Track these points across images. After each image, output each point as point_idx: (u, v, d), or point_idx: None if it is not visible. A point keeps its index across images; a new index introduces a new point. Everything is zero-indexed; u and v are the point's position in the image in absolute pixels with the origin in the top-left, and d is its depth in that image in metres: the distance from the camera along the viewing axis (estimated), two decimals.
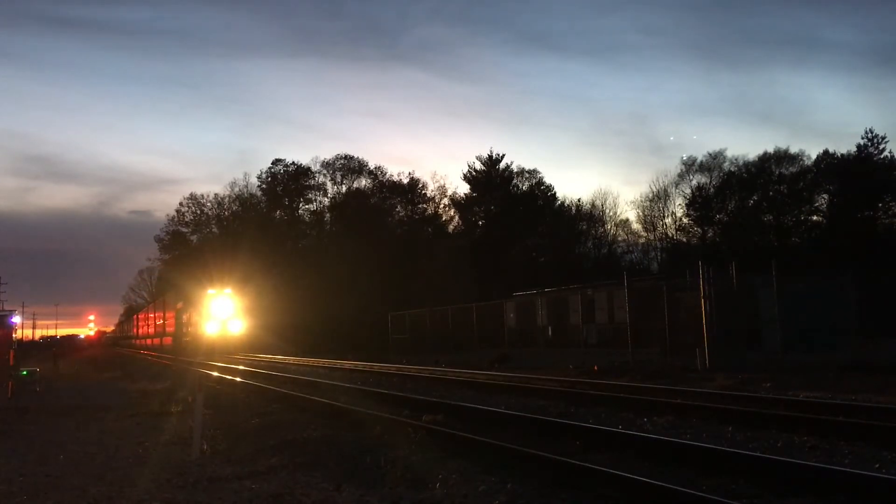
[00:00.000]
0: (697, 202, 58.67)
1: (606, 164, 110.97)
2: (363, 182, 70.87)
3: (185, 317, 46.14)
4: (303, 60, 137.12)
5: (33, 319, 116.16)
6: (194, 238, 76.77)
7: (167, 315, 53.64)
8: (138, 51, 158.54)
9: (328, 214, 70.60)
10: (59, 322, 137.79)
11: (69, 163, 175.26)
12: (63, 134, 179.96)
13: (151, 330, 63.09)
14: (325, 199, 71.08)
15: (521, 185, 66.83)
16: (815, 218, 56.93)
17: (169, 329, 52.55)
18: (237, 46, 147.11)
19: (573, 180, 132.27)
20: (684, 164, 61.02)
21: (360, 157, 71.10)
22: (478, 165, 66.42)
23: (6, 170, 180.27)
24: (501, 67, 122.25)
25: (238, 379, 20.92)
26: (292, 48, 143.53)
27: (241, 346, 41.69)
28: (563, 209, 66.01)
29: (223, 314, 40.37)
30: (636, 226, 63.97)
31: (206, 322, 40.18)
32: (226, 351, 39.19)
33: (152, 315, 63.82)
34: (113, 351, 65.98)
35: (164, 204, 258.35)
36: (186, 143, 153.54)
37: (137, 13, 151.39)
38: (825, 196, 56.33)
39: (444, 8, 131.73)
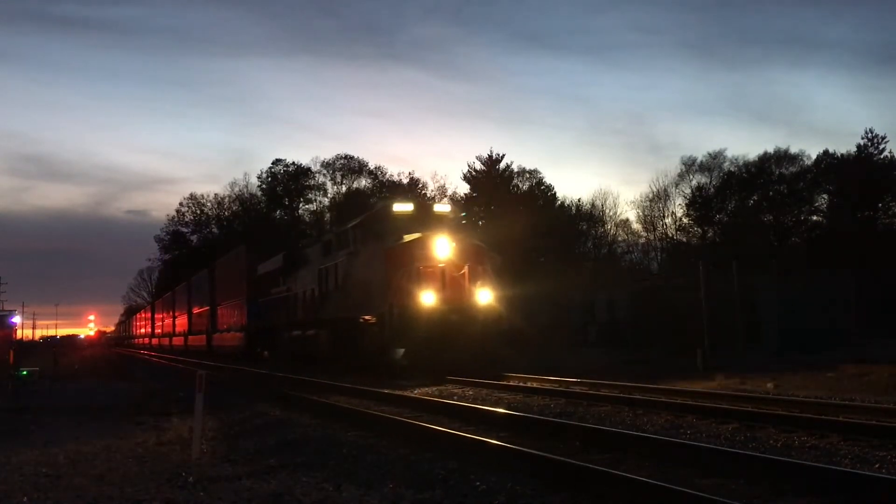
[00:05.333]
0: (697, 202, 58.63)
1: (605, 164, 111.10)
2: (363, 182, 70.96)
3: (291, 282, 25.56)
4: (299, 59, 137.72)
5: (33, 319, 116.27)
6: (194, 238, 76.79)
7: (222, 295, 34.73)
8: (134, 50, 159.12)
9: (328, 214, 70.59)
10: (59, 322, 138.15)
11: (65, 162, 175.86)
12: (58, 133, 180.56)
13: (182, 325, 45.47)
14: (325, 199, 71.15)
15: (521, 185, 66.78)
16: (815, 218, 56.96)
17: (229, 319, 32.86)
18: (233, 45, 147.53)
19: (572, 180, 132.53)
20: (684, 164, 61.01)
21: (360, 157, 71.23)
22: (478, 165, 66.38)
23: (1, 169, 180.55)
24: (498, 66, 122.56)
25: None
26: (288, 47, 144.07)
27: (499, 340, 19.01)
28: (564, 209, 65.96)
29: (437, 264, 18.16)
30: (636, 226, 63.97)
31: (418, 286, 17.75)
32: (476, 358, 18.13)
33: (185, 298, 44.80)
34: (114, 352, 65.83)
35: (161, 204, 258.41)
36: (183, 142, 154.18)
37: (133, 12, 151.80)
38: (825, 196, 56.36)
39: (439, 7, 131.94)
